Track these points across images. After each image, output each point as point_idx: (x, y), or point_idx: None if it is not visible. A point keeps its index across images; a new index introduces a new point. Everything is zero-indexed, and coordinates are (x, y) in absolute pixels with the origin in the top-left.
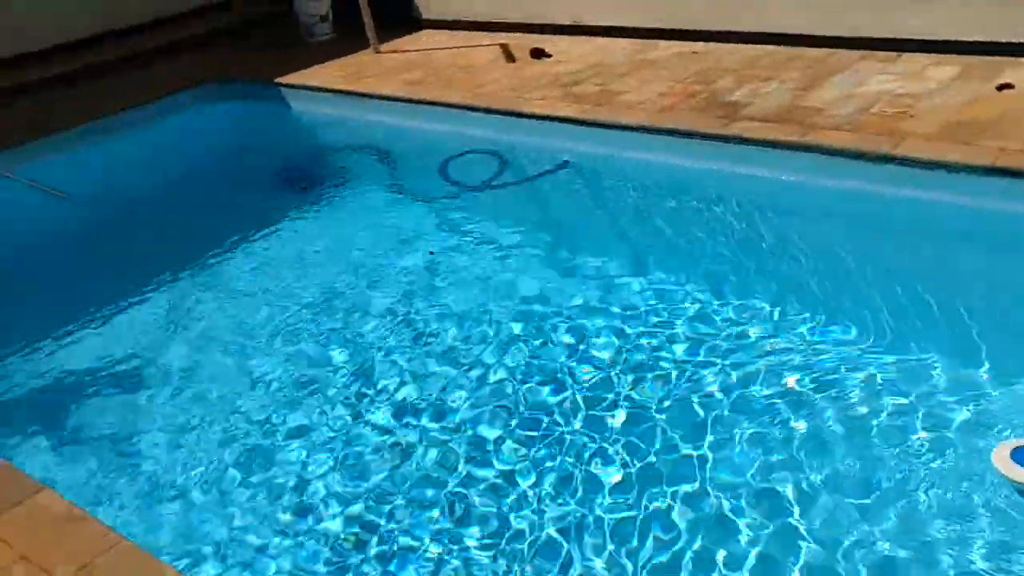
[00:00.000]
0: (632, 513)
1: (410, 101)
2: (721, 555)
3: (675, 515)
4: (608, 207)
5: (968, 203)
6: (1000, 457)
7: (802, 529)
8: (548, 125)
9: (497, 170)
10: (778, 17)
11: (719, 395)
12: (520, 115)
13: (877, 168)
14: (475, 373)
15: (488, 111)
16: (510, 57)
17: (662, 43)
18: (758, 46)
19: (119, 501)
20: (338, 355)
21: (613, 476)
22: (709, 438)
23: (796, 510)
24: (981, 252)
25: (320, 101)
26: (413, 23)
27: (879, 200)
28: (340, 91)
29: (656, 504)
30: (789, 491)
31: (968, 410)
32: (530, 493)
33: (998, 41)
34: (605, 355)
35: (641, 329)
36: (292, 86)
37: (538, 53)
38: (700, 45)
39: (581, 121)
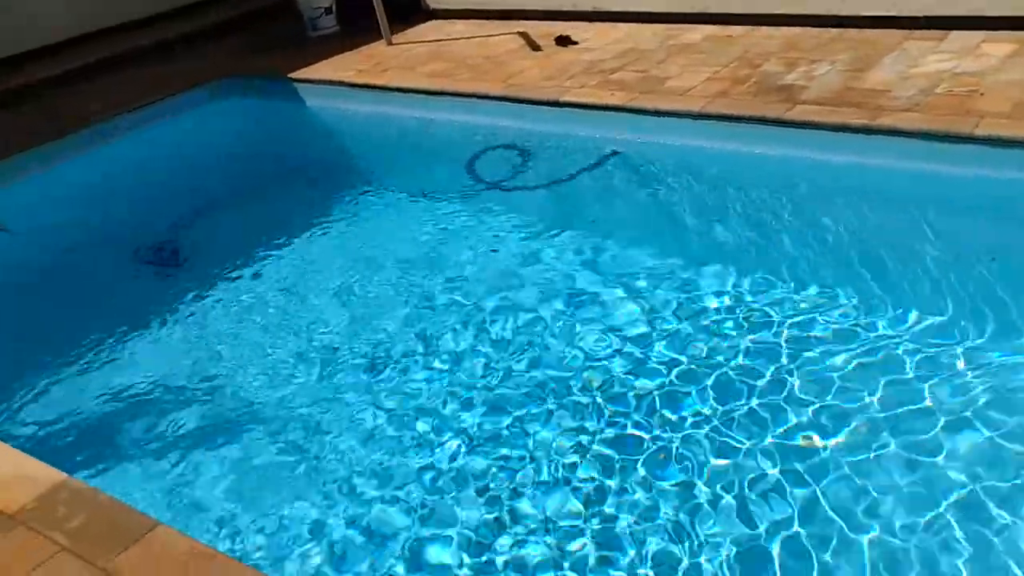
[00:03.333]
0: None
1: (442, 93)
2: None
3: None
4: (666, 197)
5: None
6: None
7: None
8: (593, 115)
9: (541, 163)
10: None
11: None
12: (561, 104)
13: (955, 149)
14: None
15: (526, 101)
16: (534, 46)
17: (690, 27)
18: (794, 28)
19: None
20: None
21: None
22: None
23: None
24: None
25: (343, 96)
26: (421, 14)
27: (960, 182)
28: (365, 85)
29: None
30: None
31: None
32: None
33: None
34: (671, 355)
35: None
36: (309, 81)
37: (563, 41)
38: (732, 29)
39: (631, 109)
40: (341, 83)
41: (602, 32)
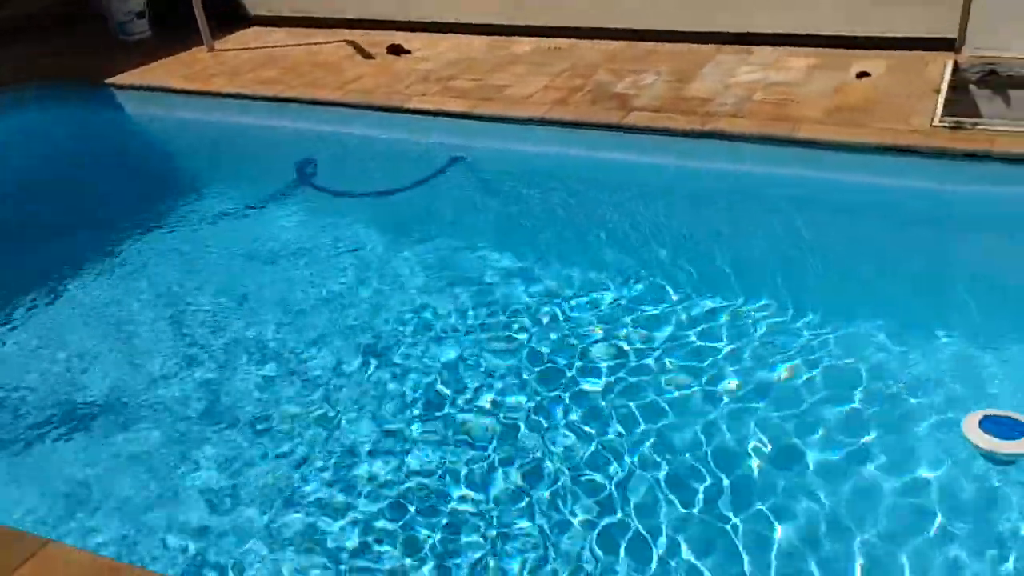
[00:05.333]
0: None
1: (277, 100)
2: None
3: None
4: (510, 201)
5: (866, 179)
6: (970, 427)
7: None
8: (435, 121)
9: (381, 169)
10: (628, 14)
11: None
12: (404, 111)
13: (776, 151)
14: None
15: (367, 108)
16: (366, 54)
17: (517, 39)
18: (614, 42)
19: None
20: None
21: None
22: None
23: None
24: (896, 223)
25: (167, 103)
26: (239, 21)
27: (780, 180)
28: (194, 92)
29: None
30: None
31: (936, 384)
32: None
33: (839, 35)
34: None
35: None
36: (128, 87)
37: (396, 49)
38: (557, 41)
39: (474, 116)
40: (166, 89)
41: (430, 42)
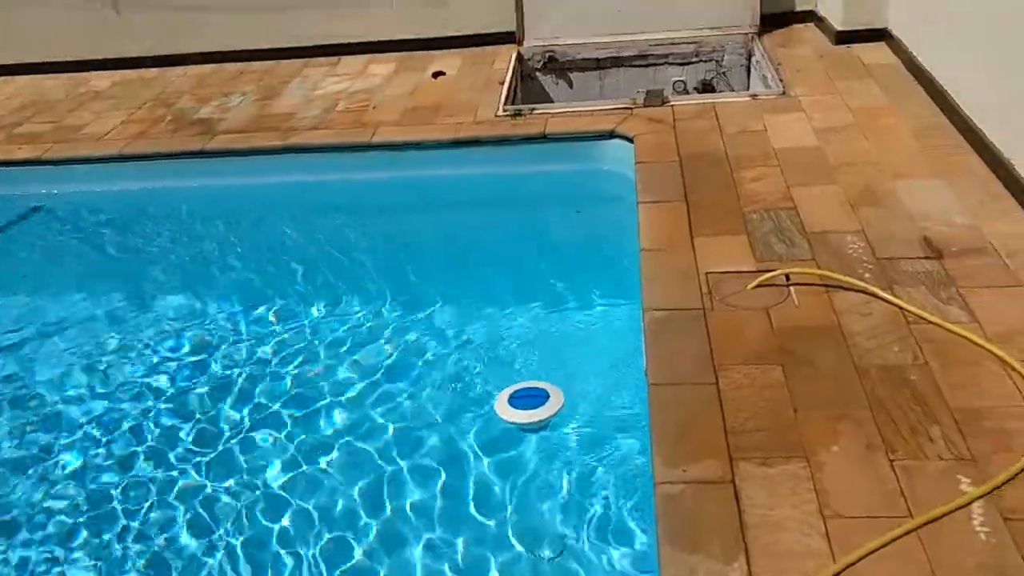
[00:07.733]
0: None
1: None
2: None
3: None
4: (95, 244)
5: (438, 173)
6: (500, 405)
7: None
8: (3, 172)
9: None
10: (216, 36)
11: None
12: None
13: (355, 157)
14: None
15: None
16: None
17: (98, 74)
18: (203, 66)
19: None
20: None
21: None
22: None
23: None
24: (465, 211)
25: None
26: None
27: (359, 187)
28: None
29: None
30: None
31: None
32: None
33: (418, 38)
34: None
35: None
36: None
37: None
38: (144, 72)
39: (45, 161)
40: None
41: None
